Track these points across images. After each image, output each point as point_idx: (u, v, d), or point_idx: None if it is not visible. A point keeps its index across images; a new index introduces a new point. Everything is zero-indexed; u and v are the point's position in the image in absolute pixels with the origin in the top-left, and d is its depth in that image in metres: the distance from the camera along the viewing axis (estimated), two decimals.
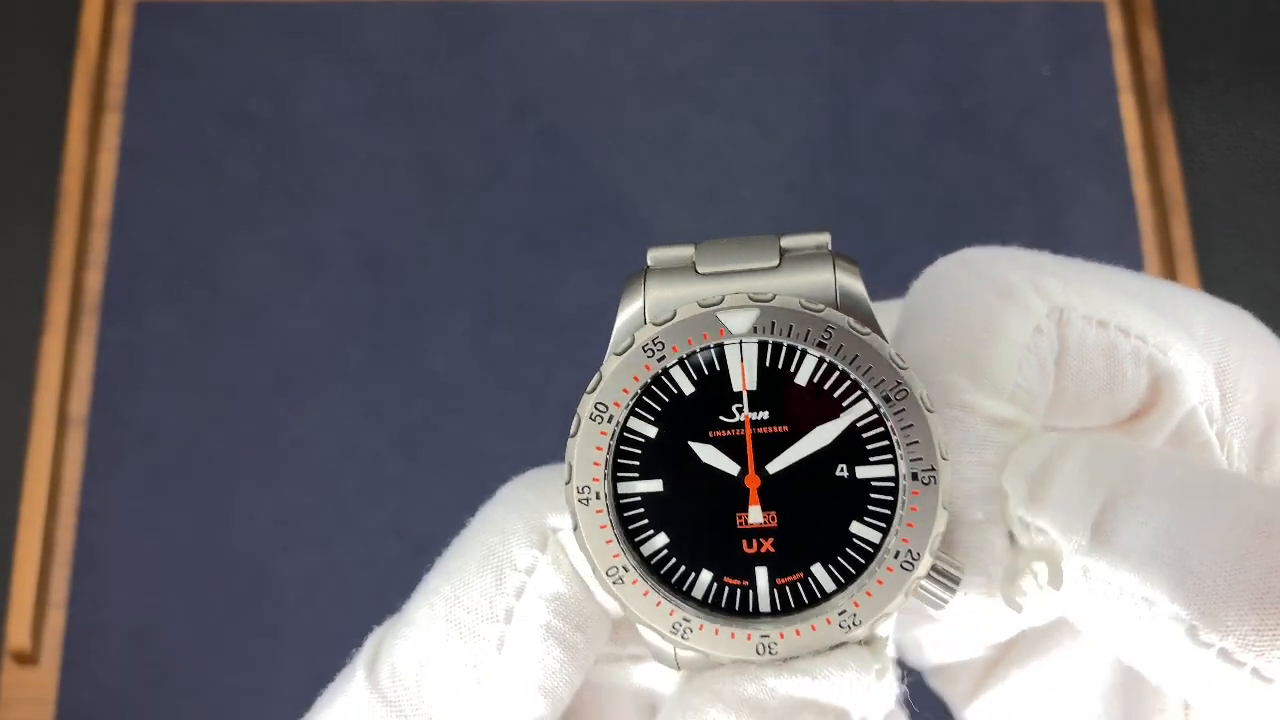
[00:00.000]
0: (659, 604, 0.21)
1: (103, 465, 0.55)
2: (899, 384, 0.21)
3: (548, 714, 0.22)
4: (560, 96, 0.62)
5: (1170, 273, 0.61)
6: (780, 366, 0.21)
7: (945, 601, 0.21)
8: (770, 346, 0.22)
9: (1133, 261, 0.62)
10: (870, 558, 0.21)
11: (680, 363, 0.22)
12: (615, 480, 0.21)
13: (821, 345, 0.21)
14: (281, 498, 0.55)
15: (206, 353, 0.57)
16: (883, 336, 0.21)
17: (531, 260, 0.59)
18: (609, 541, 0.21)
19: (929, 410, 0.21)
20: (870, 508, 0.21)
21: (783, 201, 0.61)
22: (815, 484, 0.21)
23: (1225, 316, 0.23)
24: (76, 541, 0.54)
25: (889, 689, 0.21)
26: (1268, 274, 0.62)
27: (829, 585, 0.21)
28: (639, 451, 0.21)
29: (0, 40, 0.62)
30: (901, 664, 0.22)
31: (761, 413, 0.21)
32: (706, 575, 0.21)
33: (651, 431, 0.21)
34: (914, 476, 0.21)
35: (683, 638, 0.21)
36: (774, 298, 0.21)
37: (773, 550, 0.21)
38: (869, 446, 0.21)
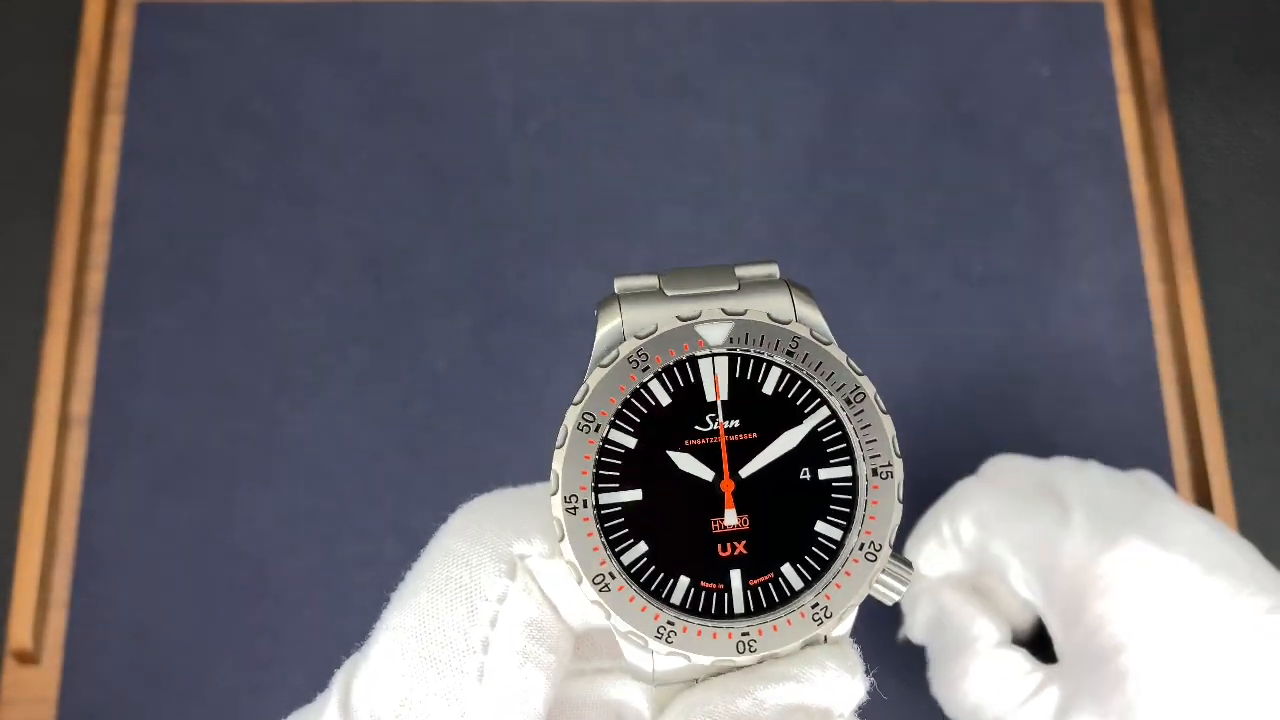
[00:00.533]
0: (644, 609, 0.22)
1: (104, 465, 0.55)
2: (857, 387, 0.23)
3: None
4: (560, 96, 0.62)
5: (1169, 272, 0.61)
6: (749, 378, 0.23)
7: (900, 593, 0.22)
8: (740, 359, 0.23)
9: (1132, 261, 0.62)
10: (834, 554, 0.23)
11: (658, 375, 0.23)
12: (597, 490, 0.23)
13: (789, 354, 0.23)
14: (282, 497, 0.55)
15: (207, 353, 0.57)
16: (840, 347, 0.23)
17: (531, 260, 0.60)
18: (595, 549, 0.22)
19: (884, 411, 0.23)
20: (832, 507, 0.23)
21: (783, 201, 0.62)
22: (782, 487, 0.23)
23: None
24: (78, 541, 0.54)
25: (862, 683, 0.22)
26: (1267, 274, 0.62)
27: (797, 583, 0.22)
28: (619, 462, 0.23)
29: (1, 42, 0.62)
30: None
31: (733, 421, 0.23)
32: (684, 581, 0.22)
33: (631, 442, 0.23)
34: (874, 473, 0.23)
35: (667, 641, 0.22)
36: (746, 312, 0.23)
37: (745, 553, 0.22)
38: (829, 450, 0.23)
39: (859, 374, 0.23)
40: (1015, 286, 0.61)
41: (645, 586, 0.22)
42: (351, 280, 0.59)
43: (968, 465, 0.53)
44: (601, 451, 0.23)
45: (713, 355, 0.23)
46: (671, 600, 0.22)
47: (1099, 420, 0.58)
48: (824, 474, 0.23)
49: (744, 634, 0.22)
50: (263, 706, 0.52)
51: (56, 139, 0.60)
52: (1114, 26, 0.66)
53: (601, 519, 0.22)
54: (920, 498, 0.55)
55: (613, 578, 0.22)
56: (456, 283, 0.59)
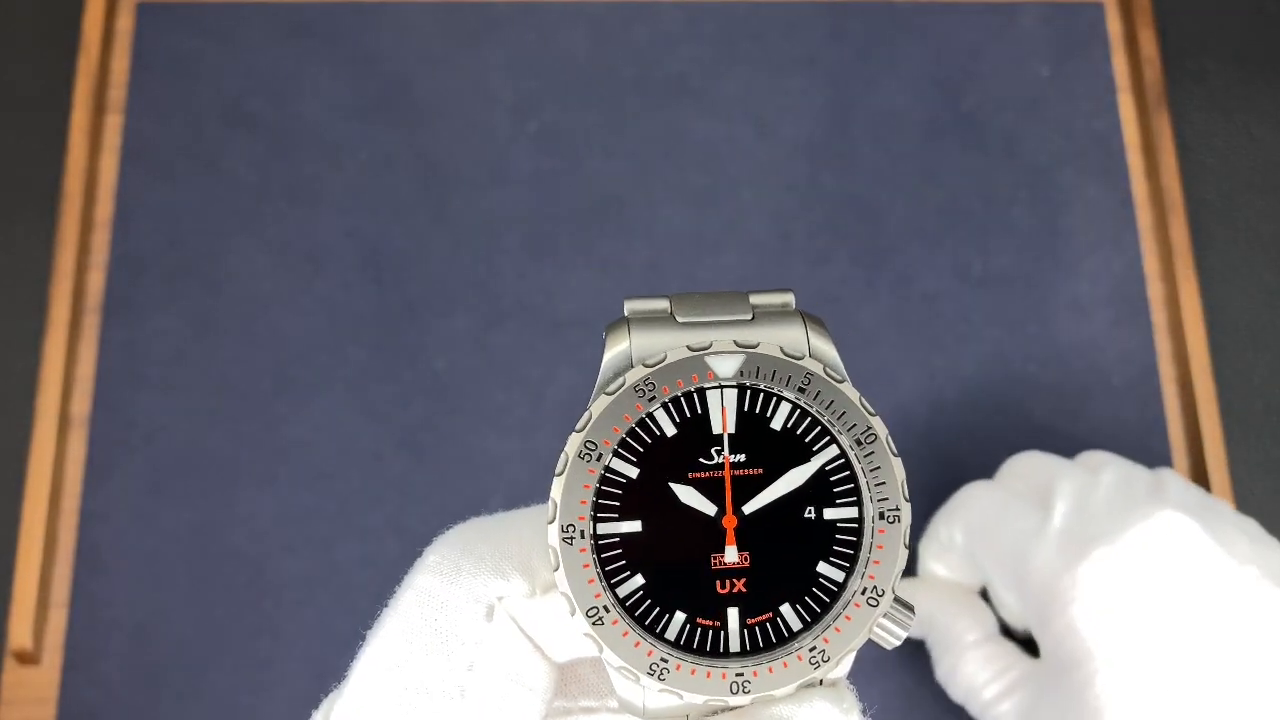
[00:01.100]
0: (637, 644, 0.21)
1: (104, 465, 0.55)
2: (869, 428, 0.23)
3: None
4: (560, 96, 0.62)
5: (1169, 272, 0.61)
6: (758, 412, 0.23)
7: (900, 638, 0.22)
8: (749, 392, 0.23)
9: (1132, 261, 0.62)
10: (835, 597, 0.22)
11: (664, 405, 0.22)
12: (596, 520, 0.22)
13: (801, 390, 0.22)
14: (281, 498, 0.55)
15: (207, 353, 0.57)
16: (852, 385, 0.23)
17: (531, 260, 0.60)
18: (590, 581, 0.22)
19: (895, 454, 0.22)
20: (836, 548, 0.22)
21: (783, 201, 0.62)
22: (785, 525, 0.22)
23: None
24: (78, 541, 0.54)
25: None
26: (1267, 274, 0.62)
27: (796, 624, 0.22)
28: (620, 492, 0.22)
29: (1, 41, 0.62)
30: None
31: (739, 455, 0.22)
32: (680, 616, 0.22)
33: (633, 472, 0.22)
34: (881, 516, 0.22)
35: (660, 678, 0.21)
36: (758, 345, 0.22)
37: (744, 590, 0.22)
38: (835, 490, 0.22)
39: (871, 414, 0.22)
40: (1015, 286, 0.61)
41: (640, 621, 0.21)
42: (351, 280, 0.59)
43: (967, 465, 0.53)
44: (602, 480, 0.22)
45: (722, 387, 0.22)
46: (666, 636, 0.22)
47: (1099, 420, 0.58)
48: (829, 514, 0.22)
49: (739, 674, 0.21)
50: (263, 706, 0.52)
51: (56, 139, 0.60)
52: (1114, 26, 0.66)
53: (599, 550, 0.22)
54: (920, 498, 0.55)
55: (607, 611, 0.21)
56: (456, 283, 0.59)
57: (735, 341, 0.22)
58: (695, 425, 0.22)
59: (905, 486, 0.22)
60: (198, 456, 0.56)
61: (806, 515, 0.22)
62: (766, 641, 0.22)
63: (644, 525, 0.22)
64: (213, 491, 0.55)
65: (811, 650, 0.21)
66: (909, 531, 0.22)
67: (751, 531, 0.22)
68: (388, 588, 0.24)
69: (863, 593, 0.22)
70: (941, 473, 0.56)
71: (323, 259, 0.59)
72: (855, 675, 0.23)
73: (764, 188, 0.62)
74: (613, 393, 0.22)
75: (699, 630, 0.22)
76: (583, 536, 0.21)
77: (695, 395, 0.22)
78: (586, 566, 0.21)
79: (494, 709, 0.21)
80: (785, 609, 0.22)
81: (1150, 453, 0.58)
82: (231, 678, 0.52)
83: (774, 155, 0.62)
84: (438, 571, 0.22)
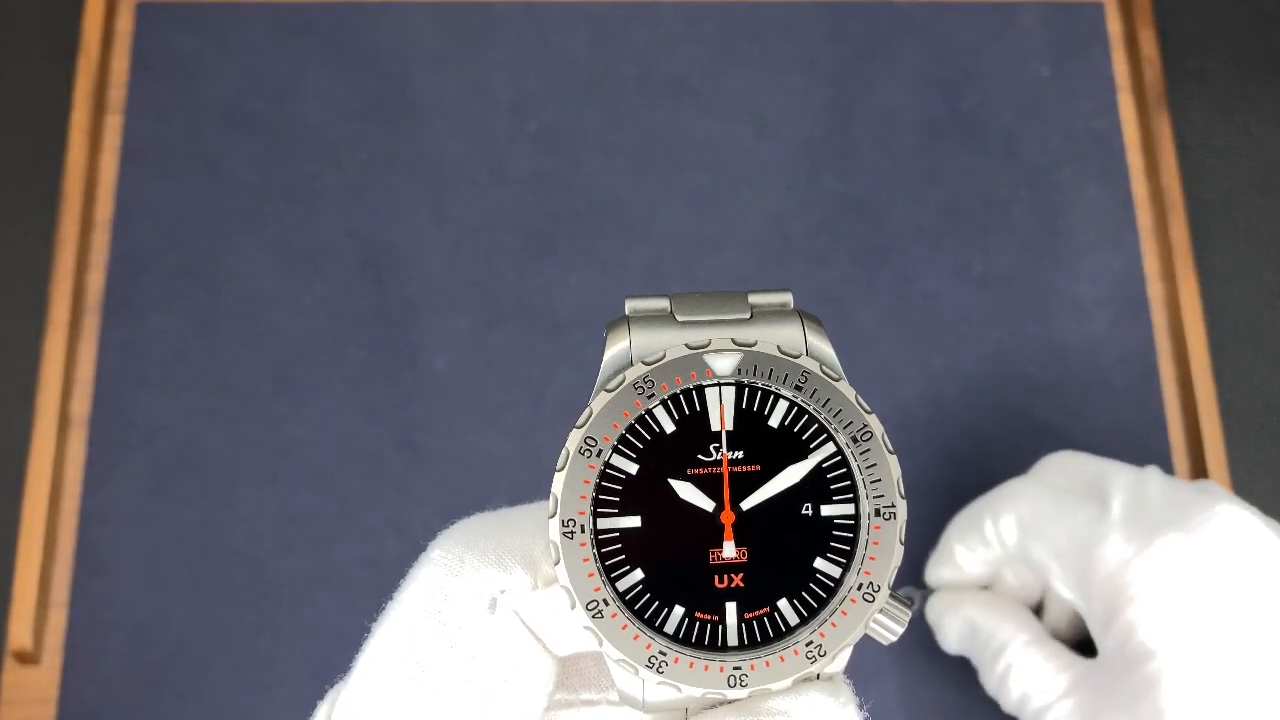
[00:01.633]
0: (636, 637, 0.22)
1: (104, 465, 0.55)
2: (865, 426, 0.23)
3: None
4: (560, 96, 0.62)
5: (1169, 272, 0.61)
6: (755, 409, 0.23)
7: (896, 634, 0.22)
8: (747, 390, 0.23)
9: (1132, 261, 0.62)
10: (831, 592, 0.22)
11: (663, 403, 0.23)
12: (596, 515, 0.22)
13: (798, 388, 0.23)
14: (281, 498, 0.55)
15: (207, 353, 0.57)
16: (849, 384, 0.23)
17: (531, 260, 0.60)
18: (590, 575, 0.22)
19: (891, 451, 0.23)
20: (833, 544, 0.23)
21: (783, 201, 0.62)
22: (783, 522, 0.23)
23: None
24: (78, 541, 0.54)
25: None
26: (1267, 274, 0.62)
27: (793, 619, 0.22)
28: (619, 488, 0.22)
29: (1, 41, 0.62)
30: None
31: (737, 452, 0.23)
32: (679, 610, 0.22)
33: (633, 468, 0.22)
34: (876, 513, 0.22)
35: (658, 671, 0.21)
36: (756, 343, 0.23)
37: (742, 586, 0.22)
38: (832, 486, 0.23)
39: (867, 412, 0.23)
40: (1015, 286, 0.61)
41: (639, 614, 0.22)
42: (351, 280, 0.59)
43: (966, 465, 0.53)
44: (602, 476, 0.22)
45: (720, 385, 0.23)
46: (665, 629, 0.22)
47: (1099, 420, 0.58)
48: (826, 511, 0.23)
49: (736, 668, 0.21)
50: (263, 706, 0.52)
51: (56, 139, 0.60)
52: (1114, 26, 0.66)
53: (599, 544, 0.22)
54: (920, 498, 0.55)
55: (606, 604, 0.21)
56: (456, 283, 0.59)
57: (733, 340, 0.23)
58: (694, 422, 0.23)
59: (901, 484, 0.22)
60: (198, 456, 0.56)
61: (804, 511, 0.22)
62: (764, 636, 0.22)
63: (643, 520, 0.22)
64: (213, 491, 0.55)
65: (808, 645, 0.22)
66: (905, 528, 0.22)
67: (749, 527, 0.22)
68: (388, 588, 0.24)
69: (859, 588, 0.22)
70: (941, 473, 0.56)
71: (323, 259, 0.59)
72: (852, 672, 0.23)
73: (764, 188, 0.62)
74: (613, 390, 0.22)
75: (697, 624, 0.22)
76: (583, 531, 0.22)
77: (694, 393, 0.23)
78: (587, 560, 0.22)
79: (496, 700, 0.22)
80: (782, 604, 0.22)
81: (1150, 452, 0.58)
82: (231, 678, 0.52)
83: (774, 155, 0.62)
84: (441, 565, 0.23)
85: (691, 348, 0.23)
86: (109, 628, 0.53)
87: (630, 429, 0.22)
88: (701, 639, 0.22)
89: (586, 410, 0.22)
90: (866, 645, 0.23)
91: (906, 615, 0.22)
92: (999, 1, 0.66)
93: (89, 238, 0.59)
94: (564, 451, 0.22)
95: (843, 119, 0.63)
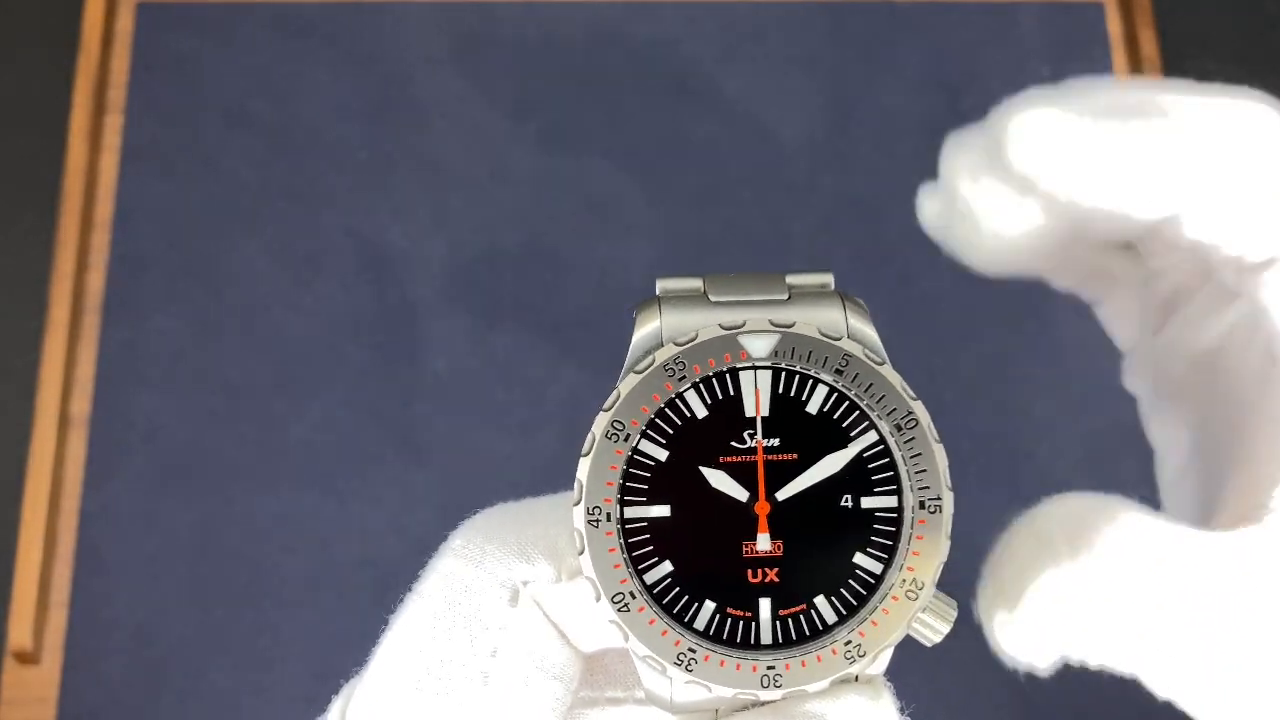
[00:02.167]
0: (664, 633, 0.20)
1: (104, 465, 0.55)
2: (909, 413, 0.22)
3: None
4: (560, 96, 0.62)
5: None
6: (793, 394, 0.21)
7: (942, 634, 0.21)
8: (784, 374, 0.21)
9: None
10: (871, 589, 0.21)
11: (695, 386, 0.21)
12: (623, 503, 0.21)
13: (839, 373, 0.21)
14: (281, 498, 0.55)
15: (207, 353, 0.57)
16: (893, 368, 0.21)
17: (531, 260, 0.60)
18: (616, 566, 0.20)
19: (937, 441, 0.21)
20: (873, 539, 0.21)
21: (783, 201, 0.62)
22: (821, 514, 0.21)
23: None
24: (78, 541, 0.54)
25: None
26: None
27: (831, 617, 0.21)
28: (648, 475, 0.21)
29: (1, 41, 0.62)
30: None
31: (773, 439, 0.21)
32: (710, 605, 0.21)
33: (662, 455, 0.21)
34: (921, 505, 0.21)
35: (687, 669, 0.20)
36: (794, 324, 0.21)
37: (777, 580, 0.21)
38: (874, 478, 0.21)
39: (913, 399, 0.22)
40: (1014, 287, 0.61)
41: (668, 609, 0.20)
42: (351, 280, 0.59)
43: (966, 465, 0.53)
44: (630, 462, 0.21)
45: (755, 368, 0.21)
46: (695, 625, 0.20)
47: (1099, 420, 0.58)
48: (867, 503, 0.21)
49: (770, 667, 0.20)
50: (262, 706, 0.52)
51: (56, 139, 0.60)
52: (1114, 26, 0.66)
53: (626, 534, 0.21)
54: None
55: (633, 597, 0.20)
56: (456, 283, 0.59)
57: (770, 321, 0.21)
58: (727, 407, 0.21)
59: (948, 475, 0.21)
60: (198, 456, 0.56)
61: (843, 503, 0.21)
62: (800, 634, 0.21)
63: (673, 510, 0.21)
64: (213, 491, 0.55)
65: (847, 644, 0.20)
66: (951, 522, 0.21)
67: (785, 519, 0.21)
68: (388, 588, 0.24)
69: (901, 585, 0.21)
70: None
71: (323, 259, 0.59)
72: (892, 673, 0.22)
73: (764, 188, 0.62)
74: (641, 371, 0.21)
75: (729, 620, 0.21)
76: (609, 519, 0.20)
77: (727, 375, 0.21)
78: (613, 551, 0.20)
79: (517, 696, 0.21)
80: (819, 601, 0.21)
81: (1151, 452, 0.58)
82: (231, 678, 0.52)
83: (774, 155, 0.62)
84: (462, 555, 0.22)
85: (726, 328, 0.21)
86: (109, 628, 0.53)
87: (660, 413, 0.21)
88: (733, 636, 0.20)
89: (614, 393, 0.21)
90: (909, 645, 0.22)
91: (953, 614, 0.21)
92: (999, 2, 0.66)
93: (89, 238, 0.59)
94: (589, 436, 0.21)
95: (843, 119, 0.63)
